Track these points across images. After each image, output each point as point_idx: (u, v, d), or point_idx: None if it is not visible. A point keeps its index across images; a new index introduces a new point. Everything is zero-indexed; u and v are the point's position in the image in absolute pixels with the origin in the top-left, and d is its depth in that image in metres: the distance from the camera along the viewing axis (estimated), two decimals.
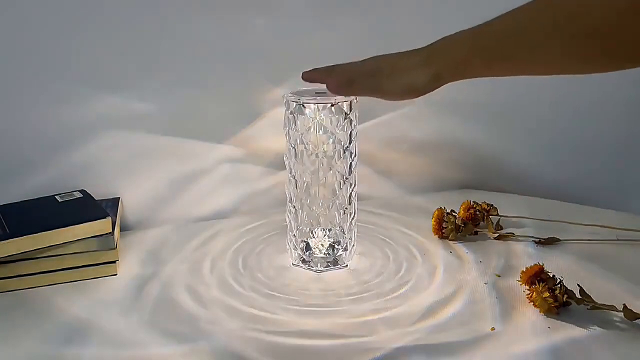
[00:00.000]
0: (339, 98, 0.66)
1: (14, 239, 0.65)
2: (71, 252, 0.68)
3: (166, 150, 0.84)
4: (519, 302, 0.62)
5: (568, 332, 0.56)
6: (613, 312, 0.58)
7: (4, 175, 0.78)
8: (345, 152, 0.69)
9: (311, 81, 0.65)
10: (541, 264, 0.63)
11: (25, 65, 0.76)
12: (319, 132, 0.67)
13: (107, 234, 0.70)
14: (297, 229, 0.71)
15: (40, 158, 0.79)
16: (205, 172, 0.87)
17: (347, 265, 0.72)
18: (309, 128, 0.67)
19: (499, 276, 0.68)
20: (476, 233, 0.80)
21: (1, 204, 0.76)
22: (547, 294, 0.59)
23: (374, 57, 0.62)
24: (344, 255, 0.72)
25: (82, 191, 0.79)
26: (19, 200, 0.77)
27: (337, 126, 0.67)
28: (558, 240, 0.77)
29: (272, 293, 0.65)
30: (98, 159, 0.81)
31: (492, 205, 0.84)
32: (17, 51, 0.75)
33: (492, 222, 0.81)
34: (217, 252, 0.76)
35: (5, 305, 0.64)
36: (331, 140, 0.68)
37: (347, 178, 0.70)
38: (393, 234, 0.81)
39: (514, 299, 0.63)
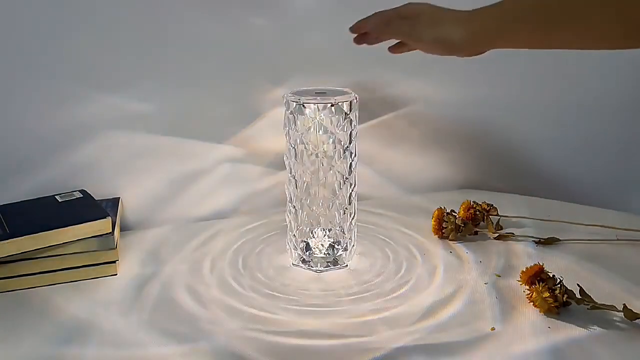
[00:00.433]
0: (339, 98, 0.67)
1: (14, 239, 0.65)
2: (71, 252, 0.68)
3: (166, 150, 0.84)
4: (519, 302, 0.62)
5: (568, 332, 0.56)
6: (613, 312, 0.58)
7: (4, 175, 0.78)
8: (345, 152, 0.69)
9: (358, 31, 0.66)
10: (541, 264, 0.63)
11: (25, 65, 0.76)
12: (319, 132, 0.67)
13: (107, 234, 0.70)
14: (297, 229, 0.71)
15: (40, 158, 0.79)
16: (205, 172, 0.87)
17: (347, 265, 0.72)
18: (309, 128, 0.67)
19: (499, 276, 0.68)
20: (476, 233, 0.80)
21: (1, 204, 0.76)
22: (547, 294, 0.59)
23: (416, 2, 0.62)
24: (344, 255, 0.72)
25: (82, 191, 0.79)
26: (19, 200, 0.77)
27: (337, 126, 0.67)
28: (558, 240, 0.77)
29: (272, 293, 0.65)
30: (98, 159, 0.81)
31: (492, 205, 0.84)
32: (17, 51, 0.75)
33: (492, 222, 0.81)
34: (217, 252, 0.76)
35: (5, 305, 0.64)
36: (331, 140, 0.68)
37: (347, 178, 0.70)
38: (393, 234, 0.81)
39: (514, 299, 0.63)
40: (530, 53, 0.85)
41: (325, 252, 0.72)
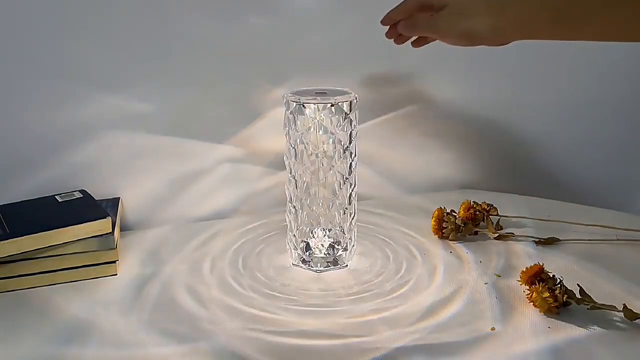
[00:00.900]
0: (339, 98, 0.67)
1: (14, 239, 0.65)
2: (71, 252, 0.68)
3: (166, 150, 0.84)
4: (519, 302, 0.62)
5: (568, 332, 0.56)
6: (613, 312, 0.58)
7: (4, 175, 0.78)
8: (345, 152, 0.69)
9: (388, 23, 0.68)
10: (541, 264, 0.63)
11: (25, 65, 0.76)
12: (319, 132, 0.67)
13: (107, 234, 0.70)
14: (297, 229, 0.71)
15: (40, 158, 0.79)
16: (205, 172, 0.87)
17: (347, 265, 0.72)
18: (309, 128, 0.67)
19: (499, 276, 0.68)
20: (476, 233, 0.80)
21: (1, 204, 0.76)
22: (547, 294, 0.59)
23: None
24: (344, 255, 0.72)
25: (82, 191, 0.79)
26: (19, 200, 0.77)
27: (337, 126, 0.67)
28: (558, 240, 0.77)
29: (272, 293, 0.65)
30: (98, 159, 0.81)
31: (492, 205, 0.84)
32: (17, 51, 0.75)
33: (492, 222, 0.81)
34: (217, 252, 0.76)
35: (5, 305, 0.64)
36: (331, 140, 0.68)
37: (347, 178, 0.70)
38: (393, 234, 0.81)
39: (514, 299, 0.63)
40: (530, 53, 0.85)
41: (325, 252, 0.72)
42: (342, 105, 0.67)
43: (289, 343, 0.56)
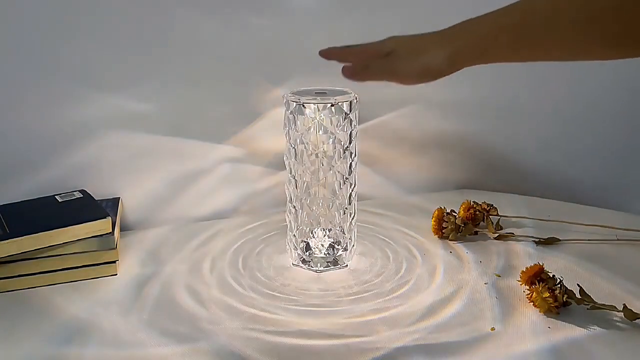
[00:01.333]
0: (339, 98, 0.66)
1: (14, 239, 0.65)
2: (71, 252, 0.68)
3: (166, 150, 0.84)
4: (519, 302, 0.62)
5: (568, 332, 0.56)
6: (613, 312, 0.58)
7: (4, 175, 0.78)
8: (345, 152, 0.69)
9: (328, 58, 0.63)
10: (541, 264, 0.63)
11: (25, 65, 0.76)
12: (319, 132, 0.67)
13: (107, 234, 0.70)
14: (297, 229, 0.71)
15: (40, 158, 0.79)
16: (205, 172, 0.87)
17: (347, 265, 0.72)
18: (309, 128, 0.67)
19: (499, 276, 0.68)
20: (476, 233, 0.80)
21: (1, 204, 0.76)
22: (547, 294, 0.59)
23: (390, 37, 0.60)
24: (344, 255, 0.72)
25: (82, 191, 0.79)
26: (19, 200, 0.77)
27: (337, 126, 0.67)
28: (558, 240, 0.77)
29: (272, 293, 0.65)
30: (98, 159, 0.81)
31: (492, 205, 0.84)
32: (17, 51, 0.75)
33: (492, 222, 0.81)
34: (217, 252, 0.76)
35: (5, 305, 0.64)
36: (331, 140, 0.68)
37: (347, 178, 0.70)
38: (393, 234, 0.81)
39: (514, 299, 0.63)
40: None
41: (325, 252, 0.72)
42: (342, 105, 0.67)
43: (289, 343, 0.56)
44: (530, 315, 0.59)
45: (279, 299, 0.64)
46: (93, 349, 0.55)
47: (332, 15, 0.86)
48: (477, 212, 0.81)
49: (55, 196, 0.77)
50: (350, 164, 0.70)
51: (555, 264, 0.70)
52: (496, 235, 0.79)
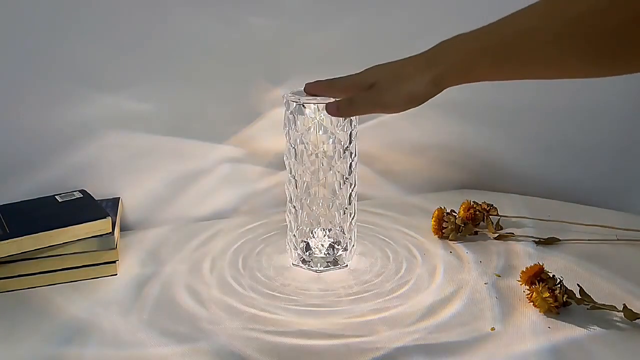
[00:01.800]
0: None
1: (14, 239, 0.65)
2: (71, 252, 0.68)
3: (166, 150, 0.84)
4: (519, 302, 0.62)
5: (568, 332, 0.56)
6: (613, 312, 0.58)
7: (4, 175, 0.78)
8: (345, 152, 0.69)
9: (313, 93, 0.65)
10: (541, 264, 0.63)
11: (25, 65, 0.76)
12: (319, 132, 0.67)
13: (107, 234, 0.70)
14: (297, 229, 0.71)
15: (40, 158, 0.79)
16: (205, 172, 0.87)
17: (347, 265, 0.72)
18: (309, 128, 0.67)
19: (499, 276, 0.68)
20: (476, 233, 0.80)
21: (1, 204, 0.76)
22: (547, 294, 0.59)
23: (372, 67, 0.61)
24: (344, 255, 0.72)
25: (82, 191, 0.79)
26: (19, 200, 0.77)
27: (337, 126, 0.67)
28: (558, 240, 0.77)
29: (272, 293, 0.65)
30: (98, 159, 0.81)
31: (492, 205, 0.84)
32: (17, 51, 0.75)
33: (492, 222, 0.81)
34: (217, 252, 0.76)
35: (5, 305, 0.64)
36: (331, 140, 0.68)
37: (347, 178, 0.70)
38: (393, 234, 0.81)
39: (514, 299, 0.63)
40: None
41: (325, 252, 0.72)
42: None
43: (289, 343, 0.56)
44: (530, 315, 0.59)
45: (279, 299, 0.64)
46: (93, 349, 0.55)
47: (332, 15, 0.86)
48: (477, 212, 0.81)
49: (55, 196, 0.77)
50: (350, 164, 0.70)
51: (555, 264, 0.70)
52: (496, 235, 0.79)
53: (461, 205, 0.82)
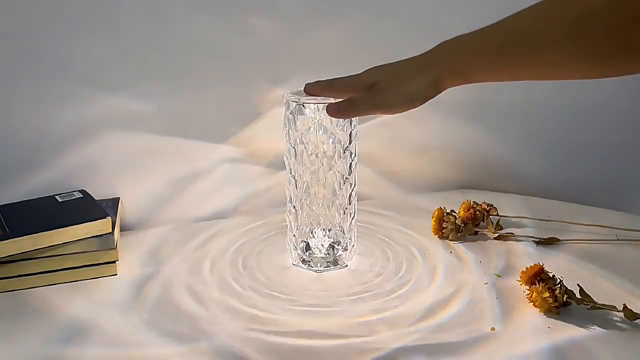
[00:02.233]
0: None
1: (14, 239, 0.65)
2: (71, 252, 0.68)
3: (166, 150, 0.84)
4: (519, 302, 0.62)
5: (568, 332, 0.56)
6: (613, 312, 0.58)
7: (4, 175, 0.78)
8: (345, 152, 0.69)
9: (312, 94, 0.65)
10: (541, 264, 0.63)
11: (25, 65, 0.76)
12: (319, 132, 0.67)
13: (107, 234, 0.70)
14: (297, 229, 0.71)
15: (40, 158, 0.79)
16: (205, 172, 0.87)
17: (347, 265, 0.72)
18: (309, 128, 0.67)
19: (499, 276, 0.68)
20: (476, 233, 0.80)
21: (1, 204, 0.76)
22: (547, 294, 0.59)
23: (372, 68, 0.61)
24: (344, 255, 0.72)
25: (82, 191, 0.79)
26: (19, 200, 0.77)
27: (337, 126, 0.67)
28: (558, 240, 0.77)
29: (272, 293, 0.65)
30: (98, 159, 0.81)
31: (492, 205, 0.84)
32: (17, 51, 0.75)
33: (492, 222, 0.81)
34: (217, 252, 0.76)
35: (5, 305, 0.64)
36: (331, 140, 0.68)
37: (347, 178, 0.70)
38: (393, 234, 0.81)
39: (514, 299, 0.63)
40: None
41: (325, 252, 0.72)
42: None
43: (289, 343, 0.56)
44: (530, 315, 0.59)
45: (279, 299, 0.64)
46: (93, 349, 0.55)
47: (332, 15, 0.86)
48: (477, 212, 0.81)
49: (55, 196, 0.77)
50: (350, 164, 0.70)
51: (555, 264, 0.70)
52: (496, 235, 0.79)
53: (461, 205, 0.82)
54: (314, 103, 0.66)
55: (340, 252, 0.72)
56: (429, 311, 0.61)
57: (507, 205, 0.87)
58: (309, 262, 0.71)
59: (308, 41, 0.85)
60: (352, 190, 0.71)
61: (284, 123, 0.69)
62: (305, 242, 0.72)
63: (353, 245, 0.72)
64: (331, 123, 0.67)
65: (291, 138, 0.69)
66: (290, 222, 0.72)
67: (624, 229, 0.77)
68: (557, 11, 0.47)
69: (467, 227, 0.79)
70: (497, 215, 0.83)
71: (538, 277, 0.61)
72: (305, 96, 0.66)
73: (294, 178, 0.70)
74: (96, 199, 0.78)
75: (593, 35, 0.45)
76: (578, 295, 0.60)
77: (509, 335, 0.56)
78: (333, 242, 0.72)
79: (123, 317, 0.61)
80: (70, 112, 0.78)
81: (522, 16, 0.50)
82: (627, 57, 0.45)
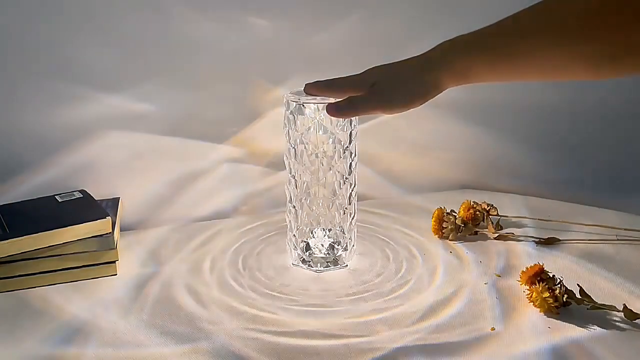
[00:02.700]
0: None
1: (14, 239, 0.65)
2: (71, 252, 0.68)
3: (166, 150, 0.84)
4: (519, 302, 0.62)
5: (568, 332, 0.56)
6: (613, 312, 0.58)
7: (4, 175, 0.78)
8: (345, 152, 0.69)
9: (313, 94, 0.65)
10: (541, 264, 0.63)
11: (25, 65, 0.76)
12: (319, 132, 0.67)
13: (107, 234, 0.70)
14: (297, 229, 0.71)
15: (40, 158, 0.79)
16: (205, 172, 0.87)
17: (347, 265, 0.72)
18: (309, 128, 0.67)
19: (499, 276, 0.68)
20: (476, 233, 0.80)
21: (1, 204, 0.76)
22: (547, 294, 0.59)
23: (372, 68, 0.61)
24: (344, 255, 0.72)
25: (82, 191, 0.79)
26: (19, 200, 0.77)
27: (337, 126, 0.67)
28: (558, 240, 0.77)
29: (272, 293, 0.65)
30: (98, 159, 0.81)
31: (492, 205, 0.84)
32: (17, 51, 0.75)
33: (492, 222, 0.81)
34: (217, 252, 0.76)
35: (5, 305, 0.64)
36: (331, 140, 0.68)
37: (347, 178, 0.70)
38: (393, 234, 0.81)
39: (514, 299, 0.63)
40: None
41: (325, 252, 0.72)
42: None
43: (289, 343, 0.56)
44: (530, 315, 0.59)
45: (279, 299, 0.64)
46: (93, 349, 0.55)
47: (332, 16, 0.86)
48: (477, 212, 0.81)
49: (55, 196, 0.77)
50: (350, 164, 0.70)
51: (555, 264, 0.70)
52: (496, 235, 0.79)
53: (461, 205, 0.82)
54: (314, 103, 0.66)
55: (340, 252, 0.72)
56: (429, 311, 0.61)
57: (507, 205, 0.87)
58: (309, 262, 0.71)
59: (308, 41, 0.85)
60: (352, 190, 0.71)
61: (284, 123, 0.69)
62: (305, 242, 0.72)
63: (353, 245, 0.72)
64: (331, 123, 0.67)
65: (291, 138, 0.69)
66: (290, 222, 0.72)
67: (624, 229, 0.77)
68: (556, 11, 0.47)
69: (467, 227, 0.79)
70: (497, 215, 0.83)
71: (538, 277, 0.61)
72: (305, 96, 0.66)
73: (294, 178, 0.70)
74: (96, 199, 0.78)
75: (593, 35, 0.45)
76: (578, 295, 0.60)
77: (509, 335, 0.56)
78: (333, 242, 0.72)
79: (123, 317, 0.60)
80: (70, 112, 0.78)
81: (521, 16, 0.50)
82: (627, 57, 0.45)
